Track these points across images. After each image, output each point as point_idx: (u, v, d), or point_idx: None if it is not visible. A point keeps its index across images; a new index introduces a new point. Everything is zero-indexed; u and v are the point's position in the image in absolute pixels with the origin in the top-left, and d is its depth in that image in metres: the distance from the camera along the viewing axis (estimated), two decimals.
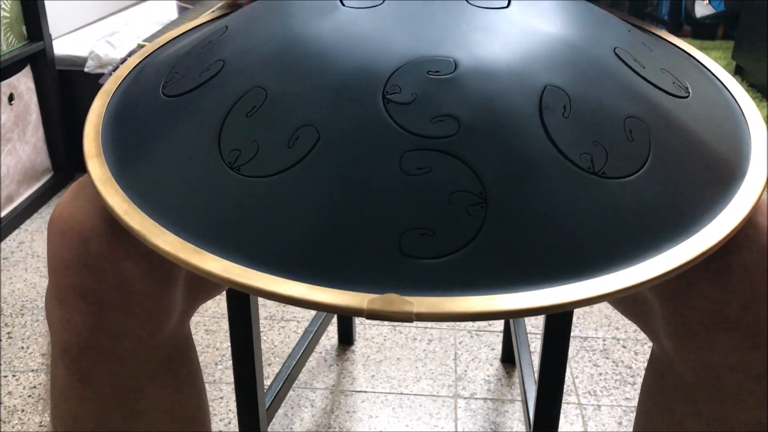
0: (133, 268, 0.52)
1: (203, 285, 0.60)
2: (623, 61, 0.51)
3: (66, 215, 0.53)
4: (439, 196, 0.42)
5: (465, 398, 1.17)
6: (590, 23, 0.54)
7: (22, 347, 1.28)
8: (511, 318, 0.42)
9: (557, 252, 0.42)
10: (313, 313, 1.38)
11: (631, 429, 1.10)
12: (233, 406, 1.15)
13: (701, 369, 0.54)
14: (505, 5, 0.52)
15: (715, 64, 0.62)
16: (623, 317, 1.38)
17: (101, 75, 1.79)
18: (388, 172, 0.43)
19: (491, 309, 0.40)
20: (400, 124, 0.44)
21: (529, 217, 0.43)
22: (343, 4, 0.52)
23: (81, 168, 1.95)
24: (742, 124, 0.55)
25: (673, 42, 0.65)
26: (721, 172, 0.49)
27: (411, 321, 0.39)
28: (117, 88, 0.58)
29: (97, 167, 0.50)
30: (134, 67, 0.61)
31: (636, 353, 1.28)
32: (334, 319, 1.32)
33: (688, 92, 0.54)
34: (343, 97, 0.46)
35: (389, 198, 0.43)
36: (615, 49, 0.52)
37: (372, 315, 0.39)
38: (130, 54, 0.59)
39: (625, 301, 0.62)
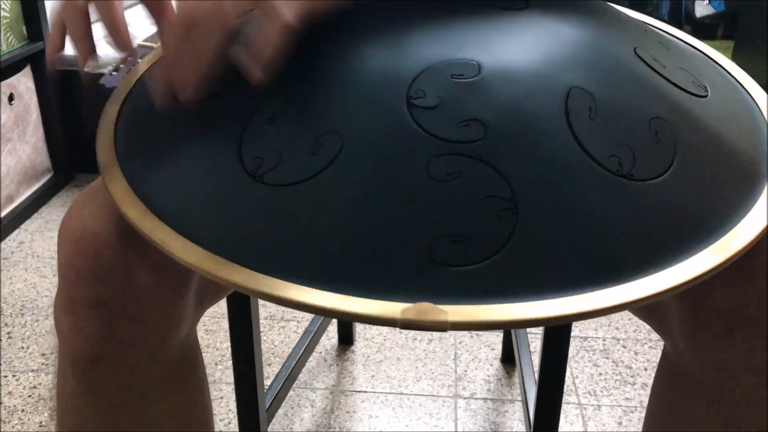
0: (145, 277, 0.52)
1: (212, 289, 0.60)
2: (644, 61, 0.51)
3: (77, 224, 0.53)
4: (469, 202, 0.42)
5: (465, 398, 1.17)
6: (608, 23, 0.53)
7: (22, 347, 1.28)
8: (547, 325, 0.42)
9: (589, 256, 0.42)
10: None
11: (631, 429, 1.10)
12: (233, 406, 1.15)
13: (717, 370, 0.54)
14: (524, 6, 0.52)
15: (728, 60, 0.62)
16: (623, 317, 1.38)
17: (101, 75, 1.79)
18: (415, 178, 0.42)
19: (526, 317, 0.39)
20: (426, 129, 0.43)
21: (560, 221, 0.42)
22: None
23: (81, 168, 1.95)
24: (761, 122, 0.55)
25: (685, 40, 0.64)
26: (745, 171, 0.49)
27: (446, 330, 0.39)
28: (128, 94, 0.57)
29: (114, 179, 0.48)
30: (144, 73, 0.59)
31: (636, 353, 1.28)
32: (334, 319, 1.32)
33: (707, 91, 0.53)
34: (366, 102, 0.45)
35: (418, 204, 0.42)
36: (635, 49, 0.51)
37: (406, 325, 0.39)
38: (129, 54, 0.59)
39: None
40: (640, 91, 0.48)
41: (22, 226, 1.71)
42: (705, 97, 0.52)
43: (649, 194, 0.44)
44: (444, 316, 0.39)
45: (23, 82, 1.75)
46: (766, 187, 0.48)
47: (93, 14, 0.56)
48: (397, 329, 1.34)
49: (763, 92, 0.58)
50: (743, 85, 0.59)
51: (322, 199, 0.43)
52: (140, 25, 2.05)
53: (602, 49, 0.49)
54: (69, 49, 0.52)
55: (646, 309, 0.60)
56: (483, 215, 0.42)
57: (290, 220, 0.43)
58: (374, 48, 0.47)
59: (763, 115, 0.55)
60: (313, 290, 0.40)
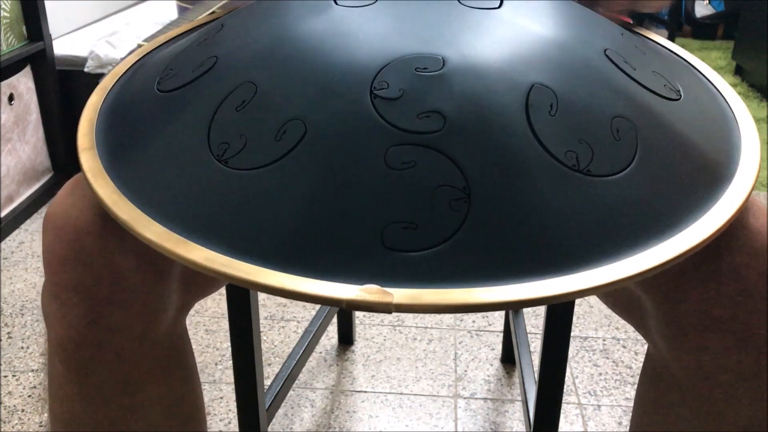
0: (127, 262, 0.53)
1: (199, 280, 0.60)
2: (613, 63, 0.51)
3: (60, 211, 0.54)
4: (423, 190, 0.43)
5: (465, 398, 1.17)
6: (581, 25, 0.54)
7: (22, 347, 1.28)
8: (490, 311, 0.43)
9: (539, 247, 0.43)
10: (313, 312, 1.38)
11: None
12: (233, 406, 1.15)
13: (694, 369, 0.54)
14: (497, 6, 0.52)
15: (708, 68, 0.63)
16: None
17: (101, 75, 1.79)
18: (372, 166, 0.43)
19: (470, 301, 0.40)
20: (387, 119, 0.45)
21: (512, 212, 0.43)
22: (337, 3, 0.52)
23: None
24: (733, 128, 0.55)
25: (667, 46, 0.66)
26: (709, 174, 0.50)
27: (390, 312, 0.40)
28: (114, 84, 0.59)
29: (89, 160, 0.50)
30: (132, 65, 0.61)
31: (636, 353, 1.28)
32: (334, 319, 1.32)
33: (680, 95, 0.54)
34: (331, 92, 0.46)
35: (373, 191, 0.43)
36: (605, 50, 0.52)
37: (351, 305, 0.40)
38: (130, 54, 0.60)
39: (619, 301, 0.62)
40: (604, 91, 0.49)
41: (22, 226, 1.71)
42: (676, 100, 0.53)
43: (605, 190, 0.45)
44: (389, 298, 0.40)
45: (23, 82, 1.75)
46: (727, 191, 0.49)
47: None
48: (398, 329, 1.34)
49: (740, 99, 0.59)
50: (722, 93, 0.60)
51: (281, 183, 0.44)
52: (140, 25, 2.05)
53: (570, 49, 0.50)
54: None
55: (627, 310, 0.61)
56: (436, 203, 0.43)
57: (250, 203, 0.44)
58: (343, 40, 0.49)
59: (736, 121, 0.56)
60: (266, 270, 0.42)
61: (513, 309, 0.42)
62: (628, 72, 0.51)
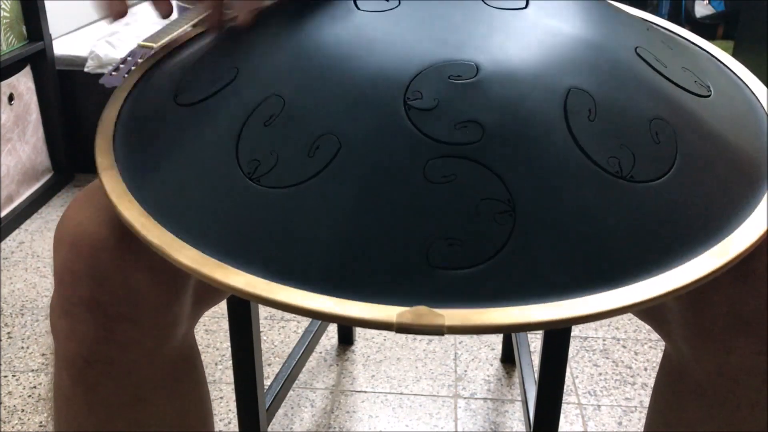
0: (142, 279, 0.52)
1: (209, 293, 0.60)
2: (645, 61, 0.50)
3: (73, 225, 0.52)
4: (466, 204, 0.41)
5: (465, 398, 1.17)
6: (610, 22, 0.53)
7: (22, 347, 1.28)
8: (543, 329, 0.41)
9: (589, 259, 0.41)
10: None
11: (631, 429, 1.10)
12: (233, 406, 1.15)
13: (718, 372, 0.53)
14: (524, 6, 0.51)
15: (733, 59, 0.61)
16: (623, 317, 1.38)
17: (101, 75, 1.79)
18: (412, 181, 0.42)
19: (523, 321, 0.39)
20: (423, 131, 0.43)
21: (558, 224, 0.41)
22: (358, 8, 0.51)
23: (81, 168, 1.95)
24: (764, 122, 0.54)
25: (689, 38, 0.64)
26: (747, 172, 0.48)
27: (442, 334, 0.38)
28: (127, 97, 0.56)
29: (111, 180, 0.48)
30: (144, 74, 0.59)
31: (636, 353, 1.28)
32: None
33: (710, 91, 0.53)
34: (363, 104, 0.44)
35: (414, 207, 0.41)
36: (636, 48, 0.51)
37: (402, 329, 0.38)
38: (130, 54, 0.58)
39: None
40: (640, 92, 0.47)
41: (22, 226, 1.71)
42: (708, 96, 0.52)
43: (649, 196, 0.44)
44: (440, 320, 0.38)
45: (23, 82, 1.75)
46: (767, 190, 0.48)
47: (93, 15, 0.56)
48: None
49: (765, 89, 0.57)
50: (747, 84, 0.58)
51: (318, 202, 0.42)
52: (140, 25, 2.05)
53: (602, 49, 0.49)
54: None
55: (647, 311, 0.60)
56: (480, 218, 0.41)
57: (287, 223, 0.43)
58: (372, 48, 0.47)
59: (766, 114, 0.55)
60: (309, 294, 0.40)
61: (568, 326, 0.41)
62: (660, 70, 0.50)
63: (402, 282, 0.40)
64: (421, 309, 0.39)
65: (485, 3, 0.51)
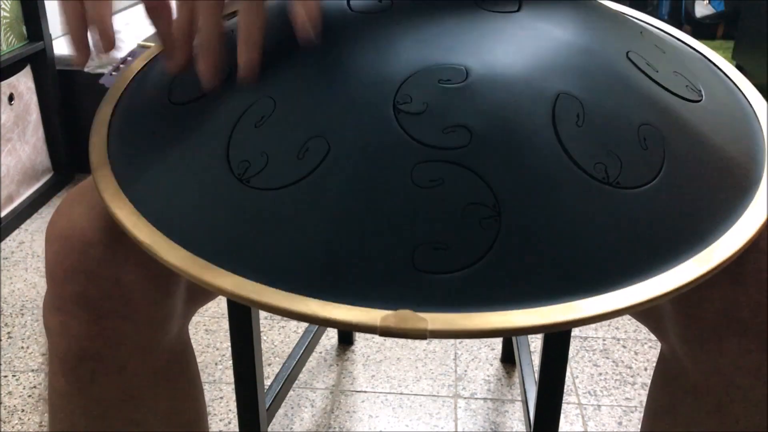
0: (134, 276, 0.52)
1: (202, 290, 0.60)
2: (636, 66, 0.50)
3: (65, 222, 0.53)
4: (452, 209, 0.41)
5: (465, 398, 1.17)
6: (602, 26, 0.53)
7: (22, 347, 1.28)
8: (527, 334, 0.42)
9: (573, 265, 0.41)
10: None
11: (631, 429, 1.10)
12: (233, 406, 1.15)
13: (712, 372, 0.54)
14: (516, 9, 0.51)
15: (727, 63, 0.61)
16: (623, 317, 1.38)
17: (101, 75, 1.79)
18: (399, 185, 0.42)
19: (507, 326, 0.39)
20: (412, 135, 0.43)
21: (544, 229, 0.42)
22: (351, 9, 0.51)
23: (81, 168, 1.95)
24: (756, 126, 0.54)
25: (684, 40, 0.64)
26: (736, 178, 0.48)
27: (425, 338, 0.38)
28: (122, 94, 0.57)
29: (104, 179, 0.48)
30: (139, 72, 0.59)
31: (636, 353, 1.28)
32: None
33: (701, 95, 0.53)
34: (353, 107, 0.45)
35: (401, 211, 0.42)
36: (628, 53, 0.51)
37: (385, 332, 0.38)
38: (130, 54, 0.59)
39: None
40: (629, 97, 0.48)
41: (22, 226, 1.71)
42: (699, 101, 0.52)
43: (635, 203, 0.44)
44: (423, 324, 0.38)
45: (23, 82, 1.75)
46: (756, 196, 0.48)
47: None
48: None
49: (761, 97, 0.57)
50: (741, 88, 0.58)
51: (306, 204, 0.43)
52: (140, 25, 2.05)
53: (593, 54, 0.49)
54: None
55: (643, 312, 0.60)
56: (466, 223, 0.41)
57: (275, 224, 0.43)
58: (363, 51, 0.47)
59: (759, 120, 0.55)
60: (295, 296, 0.40)
61: (550, 332, 0.41)
62: (651, 75, 0.50)
63: (387, 285, 0.40)
64: (405, 313, 0.39)
65: (477, 6, 0.51)
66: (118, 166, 0.50)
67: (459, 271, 0.41)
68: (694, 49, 0.63)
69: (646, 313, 0.60)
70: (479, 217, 0.41)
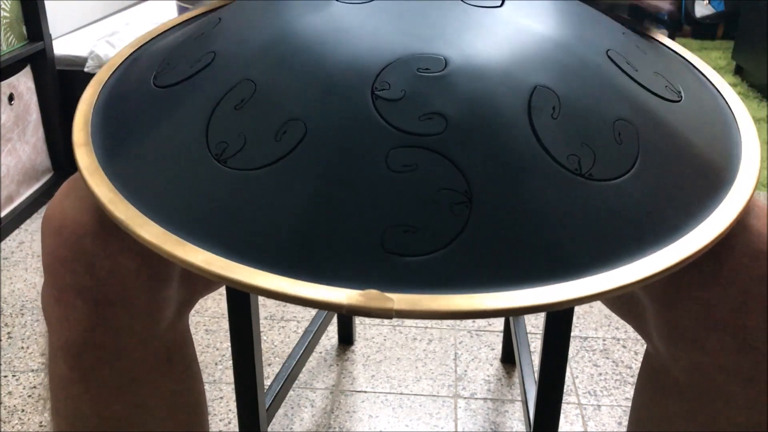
0: (128, 263, 0.52)
1: (199, 278, 0.60)
2: (615, 64, 0.51)
3: (58, 213, 0.53)
4: (424, 193, 0.42)
5: (465, 398, 1.17)
6: (584, 24, 0.54)
7: (22, 347, 1.28)
8: (491, 317, 0.42)
9: (541, 252, 0.42)
10: (314, 312, 1.38)
11: None
12: (233, 406, 1.15)
13: (692, 370, 0.54)
14: (499, 4, 0.52)
15: (709, 68, 0.62)
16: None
17: None
18: (373, 169, 0.43)
19: (471, 308, 0.40)
20: (388, 121, 0.44)
21: (514, 217, 0.43)
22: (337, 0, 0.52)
23: None
24: (734, 129, 0.55)
25: (668, 45, 0.65)
26: (710, 177, 0.49)
27: (390, 317, 0.39)
28: (109, 78, 0.58)
29: (85, 156, 0.49)
30: (127, 57, 0.60)
31: (636, 353, 1.28)
32: (334, 319, 1.32)
33: (681, 96, 0.54)
34: (331, 92, 0.45)
35: (373, 194, 0.42)
36: (608, 51, 0.52)
37: (351, 311, 0.39)
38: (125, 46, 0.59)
39: (619, 302, 0.62)
40: (606, 93, 0.48)
41: (22, 226, 1.71)
42: (677, 102, 0.53)
43: (606, 194, 0.45)
44: (390, 304, 0.39)
45: (23, 82, 1.75)
46: (729, 194, 0.48)
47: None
48: (398, 329, 1.34)
49: (739, 99, 0.58)
50: (722, 93, 0.59)
51: (281, 185, 0.44)
52: (140, 25, 2.05)
53: (572, 50, 0.50)
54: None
55: (626, 311, 0.61)
56: (437, 207, 0.42)
57: (249, 204, 0.44)
58: (344, 38, 0.48)
59: (737, 124, 0.55)
60: (264, 273, 0.41)
61: (514, 315, 0.41)
62: (630, 73, 0.51)
63: (357, 266, 0.41)
64: (372, 293, 0.40)
65: (461, 0, 0.52)
66: (100, 145, 0.51)
67: (428, 254, 0.41)
68: (676, 52, 0.64)
69: (628, 311, 0.60)
70: (451, 202, 0.42)
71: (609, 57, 0.51)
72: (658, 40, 0.65)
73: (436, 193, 0.42)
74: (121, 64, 0.60)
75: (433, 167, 0.43)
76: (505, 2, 0.52)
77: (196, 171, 0.46)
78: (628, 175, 0.46)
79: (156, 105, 0.51)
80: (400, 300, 0.40)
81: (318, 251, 0.42)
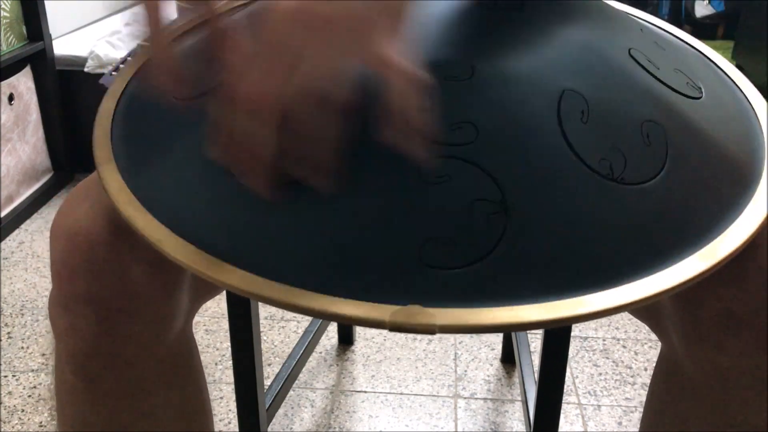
0: (139, 273, 0.52)
1: (207, 285, 0.60)
2: (638, 63, 0.50)
3: (70, 220, 0.53)
4: (459, 204, 0.42)
5: (465, 398, 1.17)
6: (604, 23, 0.53)
7: (22, 347, 1.28)
8: (535, 329, 0.42)
9: (579, 261, 0.41)
10: None
11: (631, 429, 1.10)
12: (233, 406, 1.15)
13: (711, 370, 0.54)
14: (519, 7, 0.51)
15: (726, 61, 0.61)
16: (623, 317, 1.38)
17: (101, 75, 1.79)
18: (406, 181, 0.42)
19: (515, 320, 0.39)
20: None
21: (550, 225, 0.42)
22: None
23: (81, 168, 1.95)
24: (755, 124, 0.54)
25: (683, 38, 0.64)
26: (737, 174, 0.49)
27: (434, 333, 0.38)
28: (125, 89, 0.57)
29: (110, 175, 0.48)
30: (141, 68, 0.59)
31: (636, 353, 1.28)
32: None
33: (702, 92, 0.53)
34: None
35: (409, 207, 0.42)
36: (630, 50, 0.51)
37: (395, 327, 0.38)
38: (130, 54, 0.59)
39: None
40: (632, 94, 0.48)
41: (22, 226, 1.71)
42: (699, 98, 0.52)
43: (639, 198, 0.44)
44: (432, 320, 0.38)
45: (23, 82, 1.75)
46: (757, 192, 0.48)
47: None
48: None
49: (760, 95, 0.57)
50: (740, 87, 0.59)
51: (314, 200, 0.43)
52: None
53: (596, 51, 0.49)
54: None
55: (642, 309, 0.60)
56: (473, 218, 0.41)
57: (282, 220, 0.43)
58: None
59: (758, 118, 0.55)
60: (303, 292, 0.40)
61: (557, 327, 0.41)
62: (652, 72, 0.50)
63: (395, 281, 0.40)
64: (414, 308, 0.39)
65: (481, 3, 0.51)
66: (123, 162, 0.50)
67: (466, 266, 0.41)
68: (693, 47, 0.63)
69: (647, 311, 0.60)
70: (486, 213, 0.42)
71: (631, 56, 0.51)
72: (673, 33, 0.64)
73: (472, 203, 0.42)
74: (135, 73, 0.58)
75: (466, 177, 0.42)
76: (525, 4, 0.52)
77: (225, 188, 0.45)
78: (658, 177, 0.45)
79: (178, 119, 0.50)
80: (442, 315, 0.39)
81: (355, 267, 0.41)
